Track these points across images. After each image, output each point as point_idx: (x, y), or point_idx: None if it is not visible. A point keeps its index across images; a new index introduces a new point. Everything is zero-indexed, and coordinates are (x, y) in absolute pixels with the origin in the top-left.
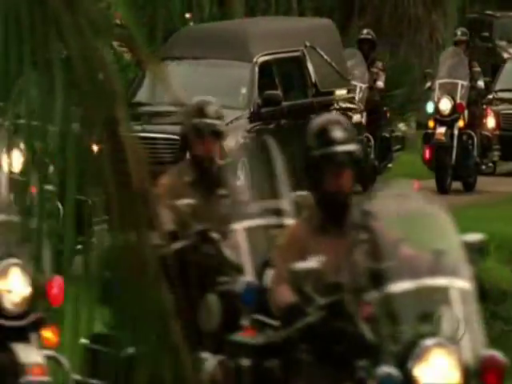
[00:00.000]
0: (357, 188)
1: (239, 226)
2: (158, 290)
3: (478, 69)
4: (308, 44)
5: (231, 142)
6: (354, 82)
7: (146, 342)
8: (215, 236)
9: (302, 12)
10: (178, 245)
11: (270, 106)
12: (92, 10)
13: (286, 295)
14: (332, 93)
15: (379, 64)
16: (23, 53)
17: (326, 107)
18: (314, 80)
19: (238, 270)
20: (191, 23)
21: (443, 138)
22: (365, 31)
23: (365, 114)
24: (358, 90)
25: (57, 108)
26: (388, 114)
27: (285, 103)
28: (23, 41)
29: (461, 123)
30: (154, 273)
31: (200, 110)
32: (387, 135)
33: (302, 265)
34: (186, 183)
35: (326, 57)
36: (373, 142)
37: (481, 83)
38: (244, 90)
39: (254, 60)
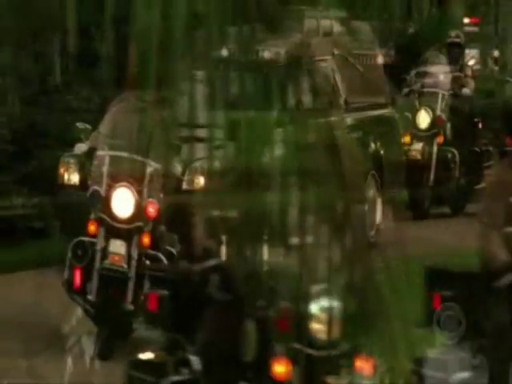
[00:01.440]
0: (444, 210)
1: None
2: None
3: None
4: (337, 52)
5: None
6: (435, 90)
7: None
8: None
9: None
10: None
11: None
12: (300, 10)
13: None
14: (364, 109)
15: (468, 70)
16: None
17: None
18: (342, 94)
19: None
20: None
21: None
22: (453, 34)
23: (449, 125)
24: (439, 97)
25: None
26: (480, 125)
27: None
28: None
29: None
30: None
31: None
32: (478, 150)
33: None
34: None
35: (359, 67)
36: (458, 157)
37: None
38: None
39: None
